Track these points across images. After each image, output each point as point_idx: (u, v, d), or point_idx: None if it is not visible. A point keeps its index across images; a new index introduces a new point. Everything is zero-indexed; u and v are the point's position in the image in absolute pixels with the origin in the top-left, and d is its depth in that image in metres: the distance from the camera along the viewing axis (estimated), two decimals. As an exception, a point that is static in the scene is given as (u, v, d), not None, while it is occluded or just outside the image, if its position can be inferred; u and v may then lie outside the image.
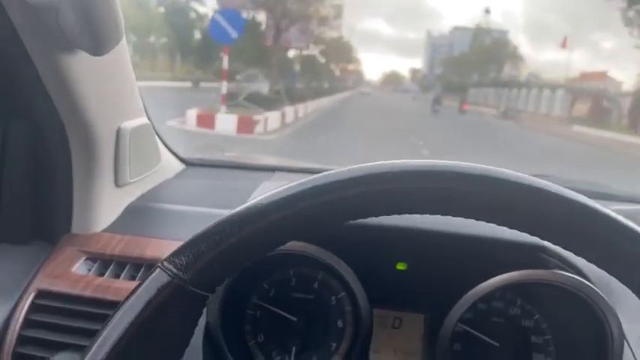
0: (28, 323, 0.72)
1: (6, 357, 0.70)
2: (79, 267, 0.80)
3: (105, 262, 0.81)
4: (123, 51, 0.79)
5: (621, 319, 0.67)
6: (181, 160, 1.21)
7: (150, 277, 0.41)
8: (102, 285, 0.76)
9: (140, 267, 0.80)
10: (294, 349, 0.77)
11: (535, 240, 0.41)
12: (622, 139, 17.14)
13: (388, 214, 0.41)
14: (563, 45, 44.17)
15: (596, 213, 0.37)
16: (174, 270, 0.40)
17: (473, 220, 0.40)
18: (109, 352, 0.38)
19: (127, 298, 0.41)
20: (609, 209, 0.38)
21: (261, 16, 24.12)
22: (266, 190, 0.41)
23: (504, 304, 0.77)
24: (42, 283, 0.76)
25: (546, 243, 0.40)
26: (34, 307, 0.74)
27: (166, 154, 1.12)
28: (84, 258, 0.81)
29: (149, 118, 0.95)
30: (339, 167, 0.41)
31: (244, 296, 0.80)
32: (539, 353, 0.76)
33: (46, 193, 0.82)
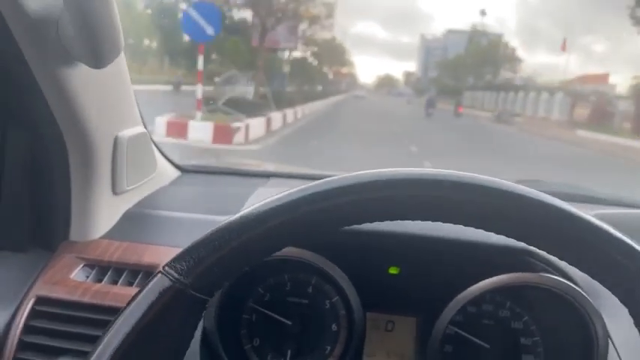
0: (28, 329, 0.73)
1: None
2: (78, 273, 0.81)
3: (103, 269, 0.83)
4: (121, 61, 0.81)
5: (606, 321, 0.69)
6: (177, 167, 1.22)
7: (151, 282, 0.42)
8: (100, 291, 0.77)
9: (138, 273, 0.82)
10: (289, 352, 0.79)
11: (522, 244, 0.43)
12: (633, 145, 16.45)
13: (382, 220, 0.43)
14: (563, 47, 43.37)
15: (572, 217, 0.39)
16: (176, 275, 0.41)
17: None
18: (111, 356, 0.39)
19: (129, 303, 0.42)
20: (590, 213, 0.40)
21: (249, 14, 22.50)
22: (261, 197, 0.42)
23: (494, 306, 0.79)
24: (41, 289, 0.77)
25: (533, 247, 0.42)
26: (33, 314, 0.75)
27: (162, 161, 1.13)
28: (82, 265, 0.82)
29: (145, 127, 0.97)
30: (334, 173, 0.42)
31: (240, 301, 0.81)
32: (528, 354, 0.77)
33: (44, 200, 0.83)
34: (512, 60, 52.06)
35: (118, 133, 0.86)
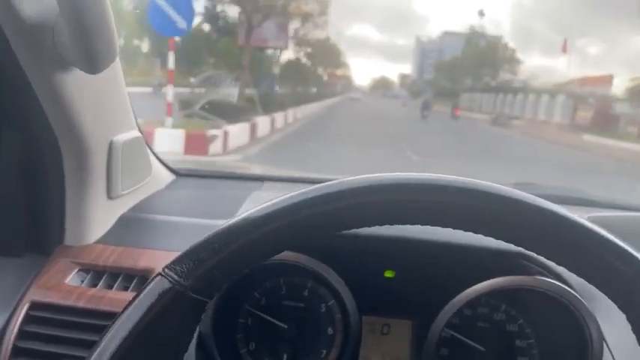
0: (22, 334, 0.73)
1: None
2: (72, 278, 0.80)
3: (98, 273, 0.82)
4: (116, 66, 0.81)
5: (601, 324, 0.70)
6: (172, 170, 1.22)
7: (151, 284, 0.42)
8: (95, 296, 0.77)
9: (133, 278, 0.81)
10: (285, 356, 0.79)
11: (517, 247, 0.43)
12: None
13: (382, 224, 0.43)
14: (564, 49, 41.80)
15: (568, 221, 0.39)
16: (176, 277, 0.42)
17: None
18: (111, 357, 0.39)
19: (128, 305, 0.42)
20: (584, 216, 0.40)
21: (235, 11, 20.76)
22: (257, 200, 0.43)
23: (489, 309, 0.80)
24: (35, 294, 0.77)
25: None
26: (28, 319, 0.74)
27: (157, 165, 1.13)
28: (77, 269, 0.82)
29: (140, 131, 0.97)
30: (329, 176, 0.43)
31: (236, 305, 0.81)
32: (523, 357, 0.78)
33: (39, 205, 0.83)
34: (512, 61, 50.69)
35: (112, 137, 0.85)
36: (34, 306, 0.76)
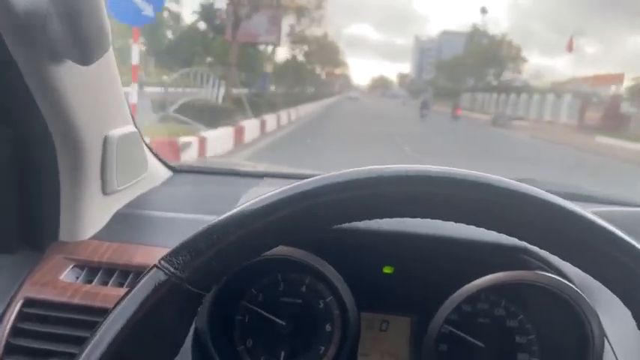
0: (15, 332, 0.72)
1: None
2: (67, 274, 0.79)
3: (93, 270, 0.81)
4: (109, 59, 0.80)
5: (602, 318, 0.69)
6: (168, 167, 1.21)
7: (146, 276, 0.41)
8: (90, 292, 0.76)
9: (128, 274, 0.80)
10: (282, 353, 0.78)
11: (517, 241, 0.42)
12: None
13: (383, 217, 0.42)
14: (570, 47, 40.03)
15: (575, 216, 0.38)
16: (172, 269, 0.41)
17: (456, 223, 0.42)
18: (106, 350, 0.39)
19: (123, 296, 0.41)
20: (587, 210, 0.39)
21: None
22: (255, 196, 0.42)
23: (489, 305, 0.79)
24: (29, 291, 0.76)
25: (528, 244, 0.42)
26: (21, 316, 0.73)
27: (153, 161, 1.12)
28: (72, 265, 0.81)
29: (136, 126, 0.96)
30: (329, 172, 0.42)
31: (233, 301, 0.80)
32: (523, 353, 0.77)
33: (33, 201, 0.82)
34: (517, 60, 48.64)
35: (107, 132, 0.85)
36: (28, 303, 0.75)
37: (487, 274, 0.74)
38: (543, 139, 18.14)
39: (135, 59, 6.61)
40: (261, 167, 1.44)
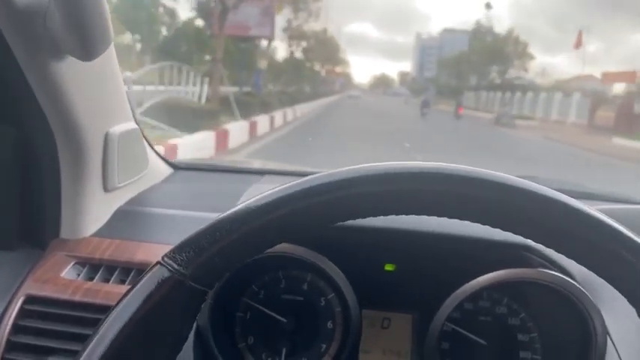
0: (16, 329, 0.72)
1: None
2: (68, 272, 0.79)
3: (94, 267, 0.81)
4: (111, 55, 0.79)
5: (605, 316, 0.69)
6: (169, 164, 1.21)
7: (149, 273, 0.41)
8: (91, 289, 0.76)
9: (129, 271, 0.80)
10: (284, 350, 0.78)
11: (519, 239, 0.42)
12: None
13: (387, 214, 0.42)
14: (578, 43, 37.89)
15: (577, 212, 0.38)
16: (175, 265, 0.41)
17: (459, 220, 0.41)
18: (108, 346, 0.38)
19: (126, 293, 0.41)
20: (592, 207, 0.39)
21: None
22: (256, 193, 0.42)
23: (491, 302, 0.79)
24: (31, 288, 0.76)
25: (530, 242, 0.41)
26: (22, 313, 0.73)
27: (154, 158, 1.12)
28: (73, 263, 0.81)
29: (137, 123, 0.96)
30: (331, 169, 0.42)
31: (234, 298, 0.80)
32: (525, 351, 0.77)
33: (34, 198, 0.82)
34: (524, 57, 46.25)
35: (108, 129, 0.84)
36: (29, 300, 0.75)
37: (489, 271, 0.74)
38: (555, 140, 16.69)
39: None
40: (262, 164, 1.44)
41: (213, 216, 0.42)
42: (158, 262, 0.41)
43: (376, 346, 0.79)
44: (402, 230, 0.78)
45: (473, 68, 50.44)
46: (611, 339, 0.70)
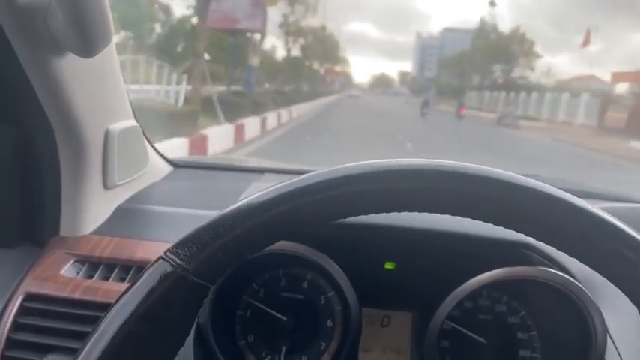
0: (16, 326, 0.72)
1: None
2: (68, 269, 0.79)
3: (94, 265, 0.81)
4: (111, 52, 0.79)
5: (604, 314, 0.68)
6: (169, 162, 1.21)
7: (152, 267, 0.41)
8: (91, 287, 0.76)
9: (129, 269, 0.80)
10: (283, 348, 0.78)
11: (519, 237, 0.42)
12: None
13: (390, 211, 0.42)
14: (586, 41, 36.72)
15: (580, 210, 0.38)
16: (178, 260, 0.41)
17: (459, 218, 0.41)
18: (110, 341, 0.38)
19: (129, 288, 0.41)
20: (594, 206, 0.39)
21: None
22: (257, 190, 0.42)
23: (491, 301, 0.79)
24: (30, 285, 0.76)
25: (530, 240, 0.41)
26: (22, 310, 0.73)
27: (154, 156, 1.12)
28: (73, 260, 0.81)
29: (137, 121, 0.96)
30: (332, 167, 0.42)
31: (234, 296, 0.80)
32: (525, 349, 0.77)
33: (34, 195, 0.82)
34: (530, 55, 44.61)
35: (109, 126, 0.84)
36: (29, 297, 0.75)
37: (489, 269, 0.74)
38: (565, 142, 15.82)
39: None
40: (262, 163, 1.44)
41: (213, 214, 0.42)
42: (161, 257, 0.41)
43: (376, 344, 0.79)
44: (402, 228, 0.78)
45: (476, 67, 49.25)
46: (610, 337, 0.70)
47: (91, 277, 0.79)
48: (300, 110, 17.44)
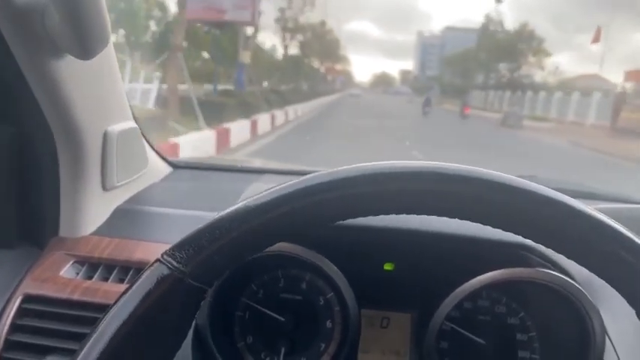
0: (15, 328, 0.72)
1: None
2: (67, 270, 0.79)
3: (93, 266, 0.81)
4: (109, 53, 0.79)
5: (603, 316, 0.68)
6: (169, 162, 1.21)
7: (149, 270, 0.41)
8: (90, 288, 0.76)
9: (128, 270, 0.80)
10: (282, 350, 0.78)
11: (518, 238, 0.42)
12: None
13: (388, 213, 0.42)
14: (597, 39, 34.73)
15: (577, 212, 0.38)
16: (175, 263, 0.41)
17: (458, 220, 0.41)
18: (108, 343, 0.38)
19: (126, 291, 0.41)
20: (592, 208, 0.39)
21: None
22: (256, 191, 0.42)
23: (490, 302, 0.78)
24: (29, 287, 0.76)
25: (529, 241, 0.41)
26: (21, 312, 0.73)
27: (154, 156, 1.12)
28: (72, 261, 0.81)
29: (136, 122, 0.96)
30: (331, 168, 0.41)
31: (233, 298, 0.80)
32: (524, 350, 0.77)
33: (33, 196, 0.82)
34: (539, 53, 42.47)
35: (107, 127, 0.84)
36: (28, 299, 0.75)
37: (488, 270, 0.73)
38: (584, 146, 14.23)
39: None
40: (261, 164, 1.44)
41: (212, 215, 0.42)
42: (158, 260, 0.41)
43: (375, 346, 0.79)
44: (401, 229, 0.78)
45: (481, 66, 47.94)
46: (609, 338, 0.70)
47: (90, 278, 0.79)
48: (297, 111, 16.11)
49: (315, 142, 9.61)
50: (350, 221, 0.42)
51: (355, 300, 0.77)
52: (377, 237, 0.79)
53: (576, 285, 0.69)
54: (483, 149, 11.35)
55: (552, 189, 0.39)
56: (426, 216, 0.42)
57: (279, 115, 12.75)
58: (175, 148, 6.33)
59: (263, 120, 10.80)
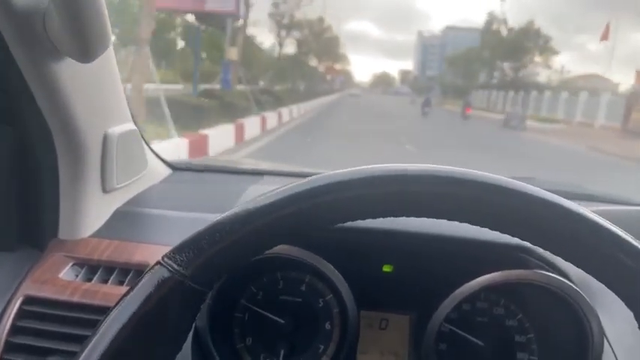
0: (15, 330, 0.72)
1: None
2: (67, 272, 0.79)
3: (92, 268, 0.81)
4: (109, 56, 0.79)
5: (601, 318, 0.69)
6: (168, 164, 1.21)
7: (149, 273, 0.41)
8: (90, 290, 0.76)
9: (128, 272, 0.80)
10: (282, 351, 0.78)
11: (517, 240, 0.42)
12: None
13: (388, 216, 0.42)
14: (604, 36, 33.69)
15: (575, 215, 0.38)
16: (175, 266, 0.41)
17: (457, 222, 0.42)
18: (108, 346, 0.39)
19: (126, 293, 0.41)
20: (589, 210, 0.39)
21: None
22: (256, 193, 0.42)
23: (488, 304, 0.79)
24: (29, 289, 0.76)
25: (527, 243, 0.41)
26: (21, 314, 0.73)
27: (153, 159, 1.12)
28: (71, 264, 0.81)
29: (136, 124, 0.96)
30: (329, 170, 0.42)
31: (232, 300, 0.80)
32: (522, 352, 0.77)
33: (32, 199, 0.82)
34: (546, 51, 40.81)
35: (107, 129, 0.84)
36: (28, 300, 0.75)
37: (486, 272, 0.74)
38: (603, 151, 13.25)
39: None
40: (261, 165, 1.44)
41: (212, 217, 0.42)
42: (158, 262, 0.42)
43: (374, 347, 0.79)
44: (400, 231, 0.79)
45: (484, 64, 46.39)
46: (607, 340, 0.70)
47: (89, 280, 0.79)
48: (292, 113, 14.95)
49: (313, 146, 9.34)
50: (349, 223, 0.43)
51: (354, 302, 0.77)
52: (376, 239, 0.80)
53: (574, 287, 0.70)
54: (485, 150, 11.22)
55: (550, 191, 0.39)
56: (425, 218, 0.42)
57: (272, 117, 11.91)
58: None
59: (251, 123, 9.84)
